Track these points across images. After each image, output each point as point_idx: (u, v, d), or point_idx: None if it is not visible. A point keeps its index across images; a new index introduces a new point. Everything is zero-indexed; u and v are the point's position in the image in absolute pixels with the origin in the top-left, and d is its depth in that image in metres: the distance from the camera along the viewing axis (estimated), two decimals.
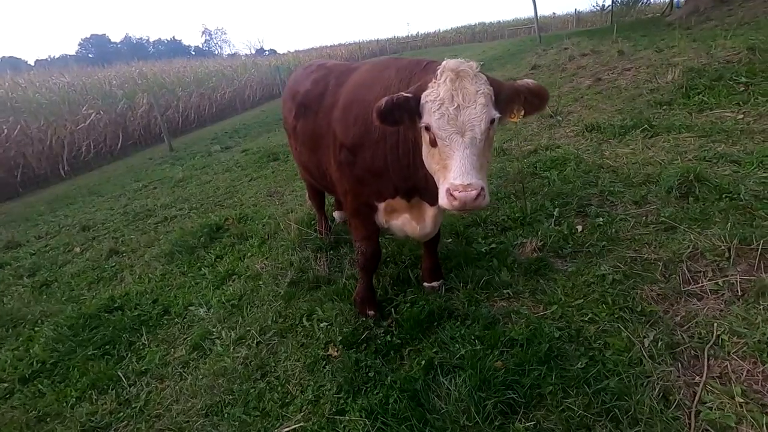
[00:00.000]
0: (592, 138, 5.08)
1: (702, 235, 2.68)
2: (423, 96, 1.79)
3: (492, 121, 1.78)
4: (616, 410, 1.76)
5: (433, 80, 1.79)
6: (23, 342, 3.22)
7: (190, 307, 3.26)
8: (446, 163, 1.77)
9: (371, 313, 2.68)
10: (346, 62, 3.17)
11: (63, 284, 4.23)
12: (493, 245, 3.28)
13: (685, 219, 2.90)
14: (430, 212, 2.38)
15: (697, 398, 1.77)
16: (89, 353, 2.87)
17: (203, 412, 2.19)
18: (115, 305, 3.49)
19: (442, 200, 1.74)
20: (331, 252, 3.64)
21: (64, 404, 2.47)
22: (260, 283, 3.40)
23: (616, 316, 2.28)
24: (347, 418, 1.97)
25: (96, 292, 3.92)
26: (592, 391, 1.87)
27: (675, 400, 1.78)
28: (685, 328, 2.12)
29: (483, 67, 1.88)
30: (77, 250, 5.12)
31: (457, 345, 2.30)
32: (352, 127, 2.30)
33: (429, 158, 1.89)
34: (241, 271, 3.68)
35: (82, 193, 8.81)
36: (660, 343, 2.04)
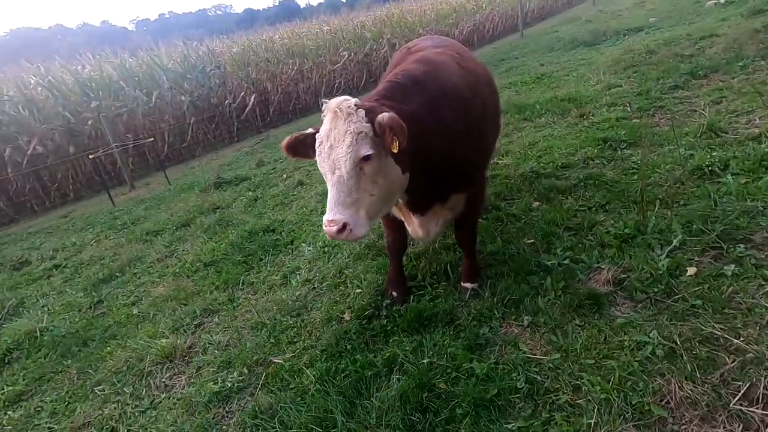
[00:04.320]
0: None
1: None
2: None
3: (367, 158, 1.81)
4: None
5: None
6: (222, 239, 4.89)
7: (303, 244, 4.19)
8: None
9: (394, 294, 2.91)
10: (433, 44, 3.07)
11: (262, 202, 5.93)
12: (566, 261, 2.83)
13: None
14: (415, 220, 2.42)
15: None
16: (236, 259, 4.19)
17: (251, 326, 3.07)
18: (271, 228, 4.78)
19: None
20: None
21: (207, 288, 3.82)
22: None
23: (604, 397, 1.84)
24: (307, 371, 2.44)
25: (273, 213, 5.37)
26: None
27: None
28: None
29: None
30: (284, 176, 6.90)
31: (430, 352, 2.36)
32: None
33: None
34: None
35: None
36: None
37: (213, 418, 2.34)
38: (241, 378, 2.57)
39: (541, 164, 4.45)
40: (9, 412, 2.87)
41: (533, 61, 10.70)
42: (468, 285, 2.81)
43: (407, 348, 2.43)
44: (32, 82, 10.19)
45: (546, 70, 9.04)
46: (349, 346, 2.56)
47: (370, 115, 1.85)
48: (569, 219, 3.32)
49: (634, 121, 5.05)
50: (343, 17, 16.95)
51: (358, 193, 1.87)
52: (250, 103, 12.69)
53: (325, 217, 1.85)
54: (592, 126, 5.25)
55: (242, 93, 12.78)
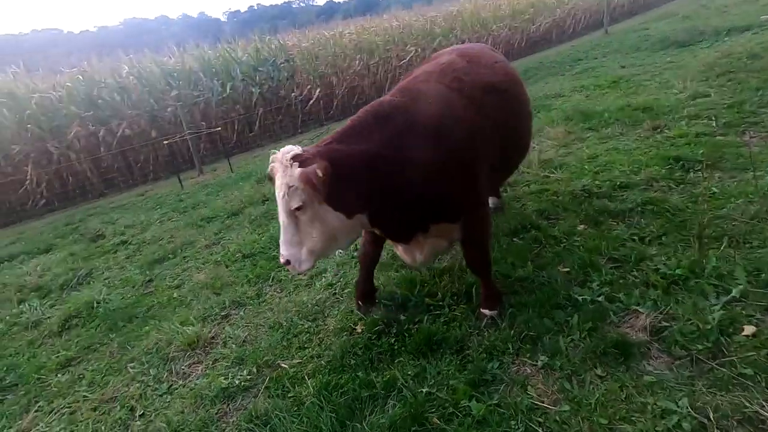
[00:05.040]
0: None
1: None
2: None
3: (298, 209, 1.98)
4: None
5: None
6: (264, 231, 5.06)
7: None
8: None
9: (359, 303, 2.94)
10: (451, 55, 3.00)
11: None
12: (601, 298, 2.56)
13: None
14: (399, 247, 2.56)
15: None
16: (272, 254, 4.29)
17: (269, 325, 3.14)
18: None
19: None
20: None
21: (240, 280, 3.97)
22: None
23: None
24: (308, 381, 2.44)
25: None
26: None
27: None
28: None
29: None
30: None
31: (431, 380, 2.25)
32: None
33: None
34: None
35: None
36: None
37: (216, 414, 2.43)
38: (249, 377, 2.64)
39: (597, 182, 4.07)
40: (59, 375, 3.21)
41: (613, 62, 9.84)
42: (486, 312, 2.64)
43: (409, 372, 2.33)
44: (125, 71, 11.29)
45: (625, 73, 8.26)
46: (353, 362, 2.52)
47: (303, 167, 1.97)
48: (615, 249, 2.99)
49: (717, 138, 4.44)
50: (414, 12, 16.74)
51: (299, 236, 2.08)
52: (315, 97, 13.03)
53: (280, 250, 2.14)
54: (665, 141, 4.71)
55: (309, 86, 13.16)
